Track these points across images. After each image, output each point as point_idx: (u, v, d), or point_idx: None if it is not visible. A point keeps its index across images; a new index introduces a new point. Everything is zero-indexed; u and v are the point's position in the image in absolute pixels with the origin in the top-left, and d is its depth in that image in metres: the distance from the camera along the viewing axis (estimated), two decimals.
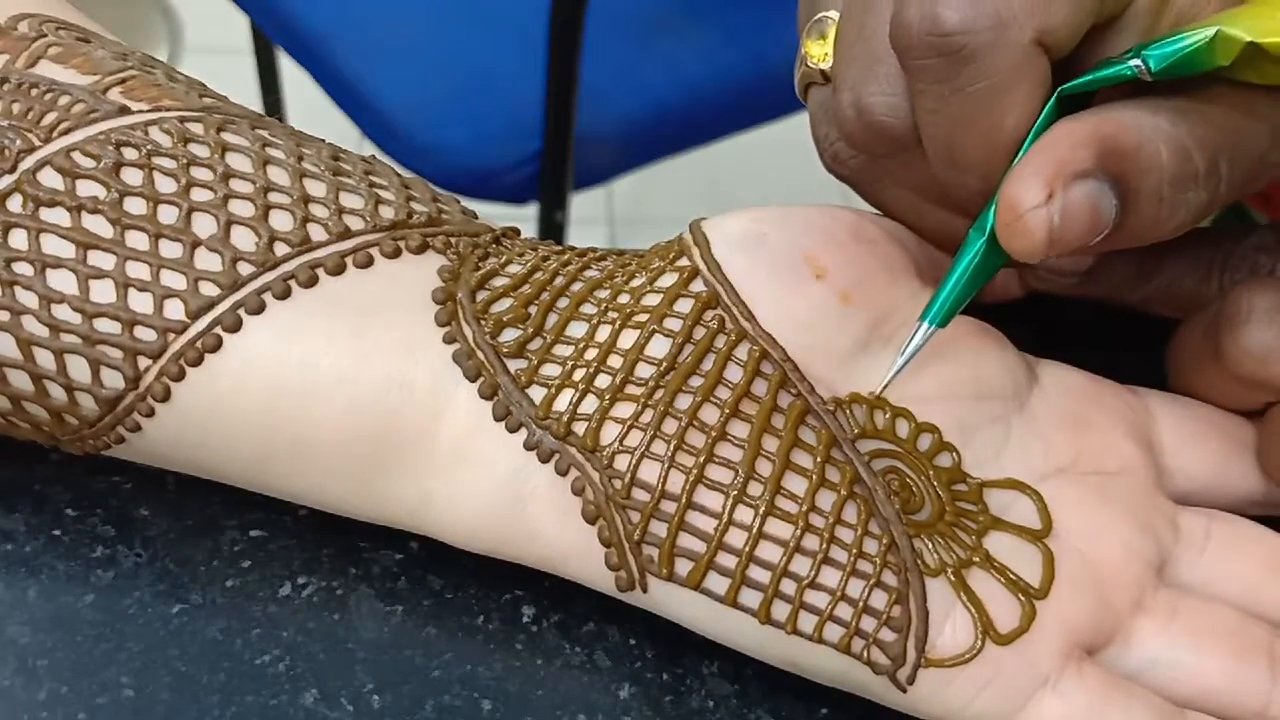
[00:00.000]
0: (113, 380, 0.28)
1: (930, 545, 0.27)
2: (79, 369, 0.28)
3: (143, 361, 0.27)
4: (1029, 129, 0.26)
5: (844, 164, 0.30)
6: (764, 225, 0.30)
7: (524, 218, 0.91)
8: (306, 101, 1.05)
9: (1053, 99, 0.26)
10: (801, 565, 0.26)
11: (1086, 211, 0.25)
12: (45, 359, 0.28)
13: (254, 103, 1.18)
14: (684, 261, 0.29)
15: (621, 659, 0.29)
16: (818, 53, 0.30)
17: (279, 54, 1.15)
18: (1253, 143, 0.26)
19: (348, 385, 0.27)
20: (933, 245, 0.31)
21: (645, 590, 0.27)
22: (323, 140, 0.31)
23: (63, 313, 0.27)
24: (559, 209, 0.89)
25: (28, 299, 0.27)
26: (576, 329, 0.29)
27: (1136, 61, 0.25)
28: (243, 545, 0.30)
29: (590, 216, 1.45)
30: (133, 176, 0.28)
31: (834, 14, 0.30)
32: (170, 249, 0.27)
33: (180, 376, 0.27)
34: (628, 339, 0.28)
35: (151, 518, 0.31)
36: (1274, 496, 0.30)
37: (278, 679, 0.28)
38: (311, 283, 0.28)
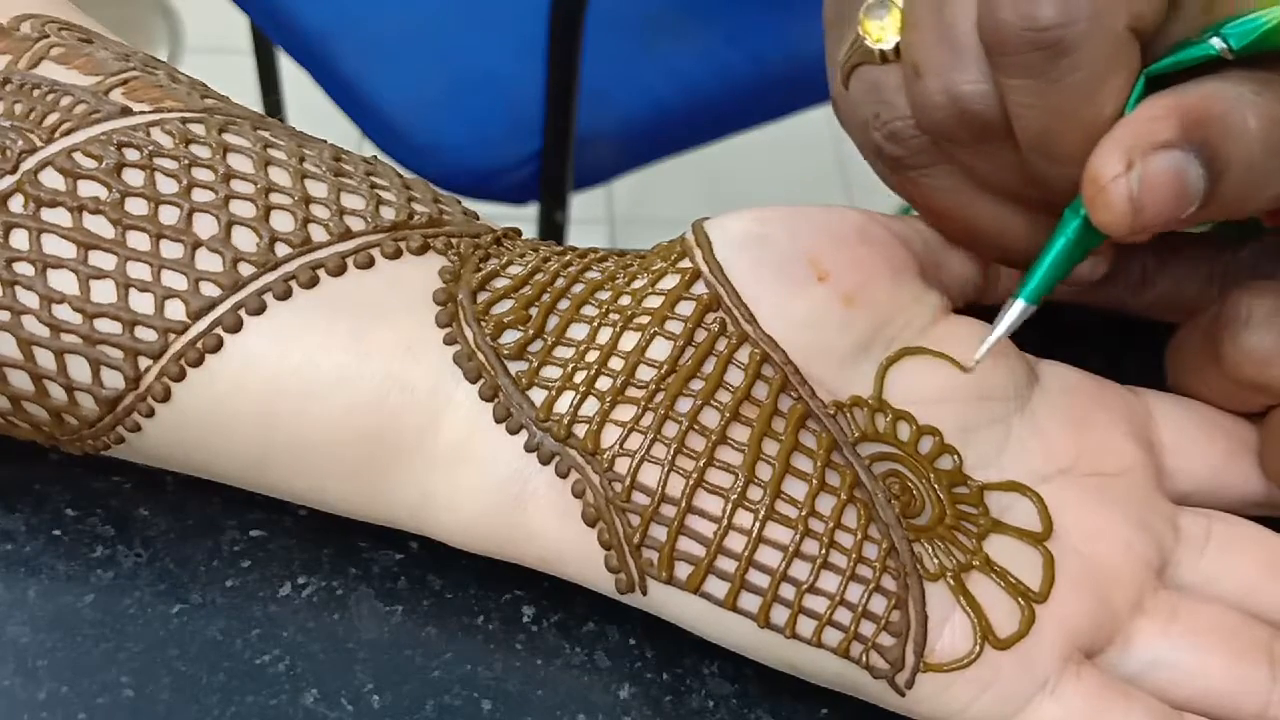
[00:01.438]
0: (113, 380, 0.28)
1: (930, 549, 0.27)
2: (79, 369, 0.28)
3: (143, 362, 0.27)
4: (1122, 114, 0.26)
5: (902, 143, 0.30)
6: (767, 226, 0.30)
7: (524, 218, 0.91)
8: (306, 101, 1.05)
9: (1140, 81, 0.26)
10: (801, 570, 0.26)
11: (1169, 180, 0.25)
12: (45, 359, 0.28)
13: (254, 103, 1.18)
14: (686, 263, 0.29)
15: (621, 659, 0.29)
16: (878, 34, 0.30)
17: (279, 54, 1.15)
18: None
19: (348, 386, 0.27)
20: (967, 237, 0.31)
21: (645, 593, 0.27)
22: (324, 141, 0.31)
23: (63, 313, 0.27)
24: (559, 209, 0.89)
25: (28, 299, 0.27)
26: (577, 331, 0.29)
27: (1217, 40, 0.25)
28: (243, 545, 0.30)
29: (590, 216, 1.45)
30: (134, 177, 0.28)
31: None
32: (171, 249, 0.27)
33: (181, 377, 0.27)
34: (629, 341, 0.28)
35: (151, 518, 0.31)
36: (1274, 498, 0.30)
37: (278, 679, 0.28)
38: (312, 283, 0.28)
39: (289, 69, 1.03)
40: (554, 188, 0.88)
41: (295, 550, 0.30)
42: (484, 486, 0.28)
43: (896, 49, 0.29)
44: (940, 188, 0.30)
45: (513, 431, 0.27)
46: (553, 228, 0.90)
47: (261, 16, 0.98)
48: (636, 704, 0.29)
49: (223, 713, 0.28)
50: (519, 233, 0.32)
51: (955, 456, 0.29)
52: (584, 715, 0.28)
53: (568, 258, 0.30)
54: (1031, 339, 0.31)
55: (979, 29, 0.26)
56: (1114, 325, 0.33)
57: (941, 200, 0.30)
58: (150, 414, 0.28)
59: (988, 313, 0.31)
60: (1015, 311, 0.28)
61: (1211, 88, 0.25)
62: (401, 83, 0.89)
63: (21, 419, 0.29)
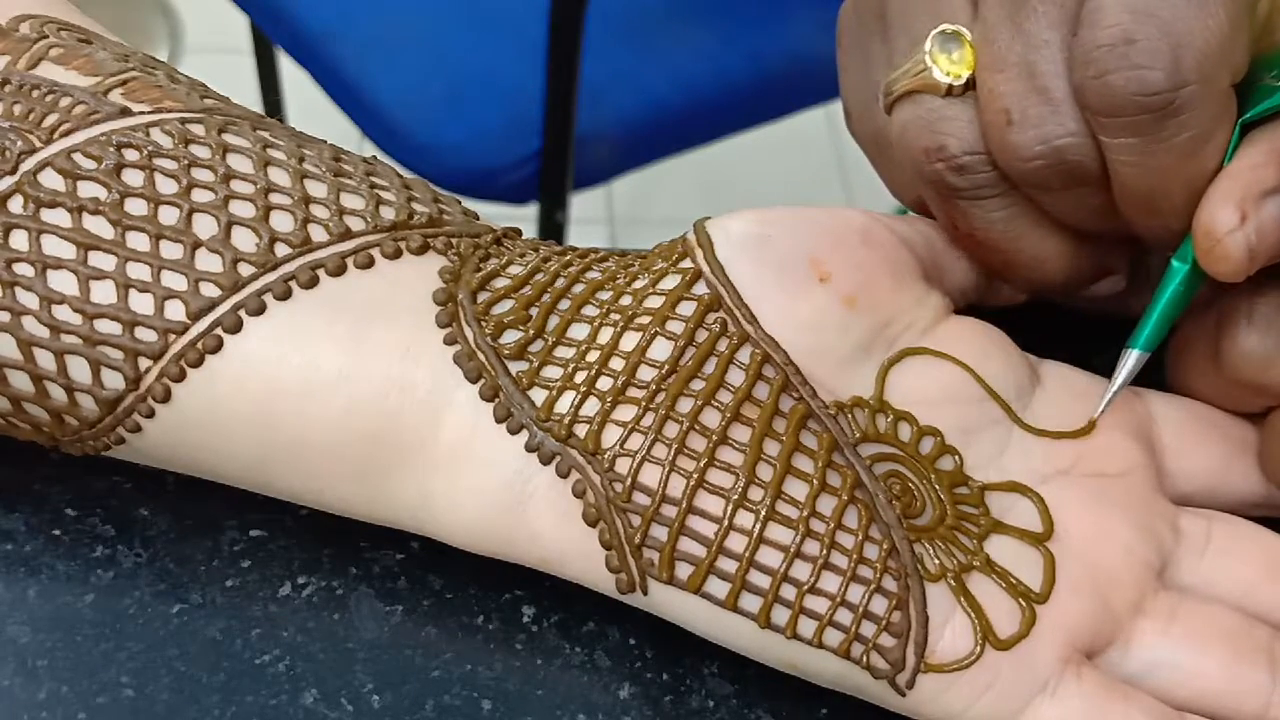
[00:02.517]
0: (113, 381, 0.28)
1: (931, 550, 0.27)
2: (79, 370, 0.28)
3: (143, 362, 0.27)
4: (1222, 165, 0.27)
5: (971, 177, 0.30)
6: (769, 226, 0.30)
7: (524, 218, 0.91)
8: (306, 101, 1.05)
9: (1237, 131, 0.27)
10: (801, 570, 0.26)
11: (1278, 220, 0.26)
12: (46, 360, 0.28)
13: (254, 103, 1.18)
14: (687, 263, 0.29)
15: (621, 659, 0.29)
16: (950, 69, 0.29)
17: (279, 54, 1.15)
18: None
19: (348, 386, 0.27)
20: (1006, 268, 0.31)
21: (646, 593, 0.27)
22: (324, 141, 0.31)
23: (63, 314, 0.27)
24: (559, 209, 0.89)
25: (28, 300, 0.27)
26: (578, 331, 0.29)
27: None
28: (243, 545, 0.30)
29: (590, 216, 1.45)
30: (134, 178, 0.28)
31: (962, 29, 0.29)
32: (171, 250, 0.27)
33: (181, 377, 0.27)
34: (629, 341, 0.28)
35: (151, 518, 0.31)
36: (1275, 498, 0.30)
37: (278, 679, 0.28)
38: (312, 284, 0.28)
39: (289, 69, 1.03)
40: (554, 188, 0.88)
41: (295, 550, 0.30)
42: (485, 487, 0.28)
43: (966, 84, 0.29)
44: (995, 220, 0.30)
45: (513, 432, 0.27)
46: (553, 228, 0.90)
47: (261, 16, 0.98)
48: (636, 704, 0.29)
49: (223, 713, 0.28)
50: (519, 232, 0.32)
51: (956, 457, 0.29)
52: (584, 715, 0.28)
53: (568, 258, 0.30)
54: (1031, 339, 0.31)
55: (1081, 90, 0.27)
56: (1114, 325, 0.33)
57: (993, 232, 0.30)
58: (150, 415, 0.28)
59: (989, 310, 0.31)
60: (1132, 362, 0.29)
61: None
62: (401, 83, 0.89)
63: (22, 420, 0.29)
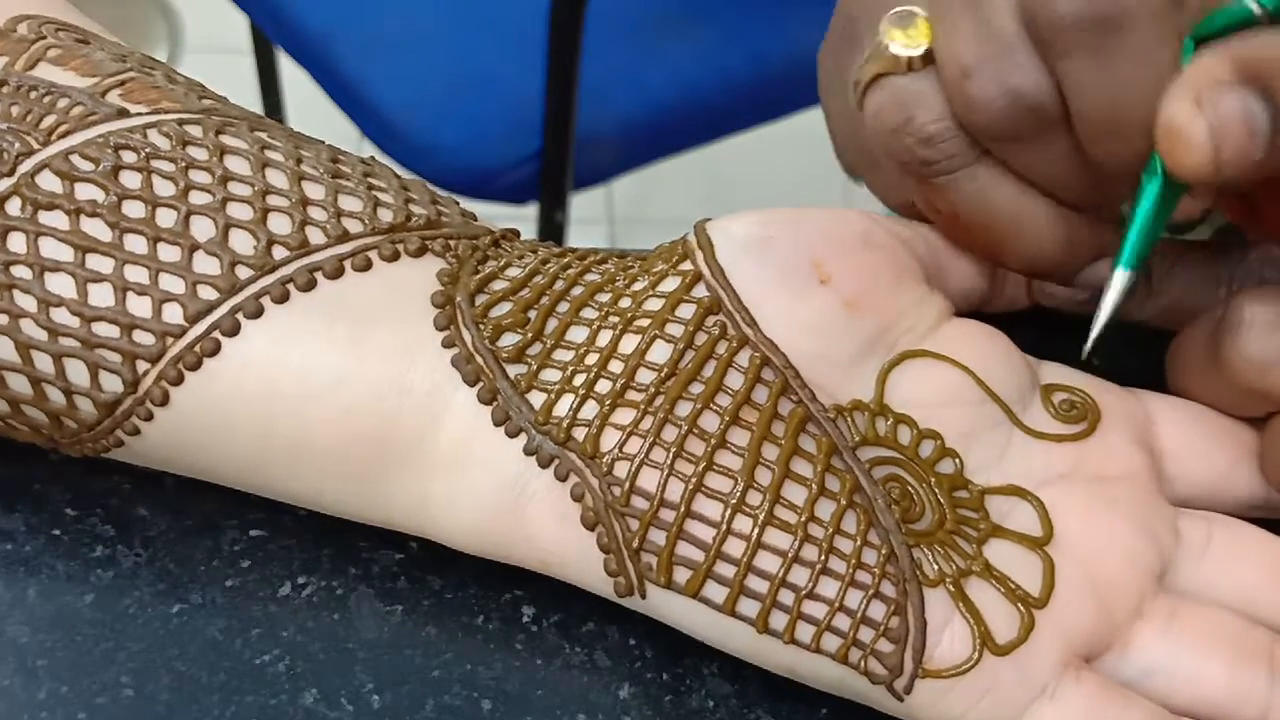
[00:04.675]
0: (111, 384, 0.27)
1: (930, 555, 0.27)
2: (77, 373, 0.28)
3: (141, 365, 0.27)
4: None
5: (939, 146, 0.30)
6: (770, 229, 0.30)
7: (524, 218, 0.91)
8: (306, 101, 1.05)
9: (1189, 46, 0.27)
10: (800, 575, 0.26)
11: (1240, 117, 0.25)
12: (44, 362, 0.28)
13: (254, 103, 1.18)
14: (687, 265, 0.29)
15: (621, 659, 0.29)
16: (906, 42, 0.30)
17: (279, 54, 1.15)
18: None
19: (346, 389, 0.27)
20: (992, 244, 0.31)
21: (644, 596, 0.27)
22: (322, 142, 0.31)
23: (61, 316, 0.27)
24: (559, 209, 0.89)
25: (26, 302, 0.27)
26: (577, 333, 0.28)
27: (1251, 2, 0.26)
28: (243, 545, 0.30)
29: (590, 216, 1.45)
30: (131, 180, 0.28)
31: (916, 9, 0.30)
32: (168, 252, 0.27)
33: (179, 381, 0.27)
34: (629, 344, 0.28)
35: (151, 518, 0.31)
36: (1275, 501, 0.30)
37: (278, 679, 0.28)
38: (309, 286, 0.28)
39: (289, 69, 1.03)
40: (554, 188, 0.88)
41: (295, 550, 0.30)
42: (483, 489, 0.28)
43: (924, 56, 0.29)
44: (972, 192, 0.30)
45: (512, 435, 0.27)
46: (553, 228, 0.89)
47: (261, 16, 0.98)
48: (636, 704, 0.29)
49: (223, 713, 0.28)
50: (517, 234, 0.32)
51: (956, 460, 0.29)
52: (584, 715, 0.28)
53: (567, 259, 0.30)
54: (1031, 339, 0.31)
55: (1028, 18, 0.27)
56: (1115, 326, 0.33)
57: (973, 207, 0.30)
58: (149, 417, 0.28)
59: (992, 316, 0.31)
60: (1119, 282, 0.29)
61: (1256, 38, 0.26)
62: (401, 83, 0.89)
63: (21, 422, 0.29)
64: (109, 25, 0.33)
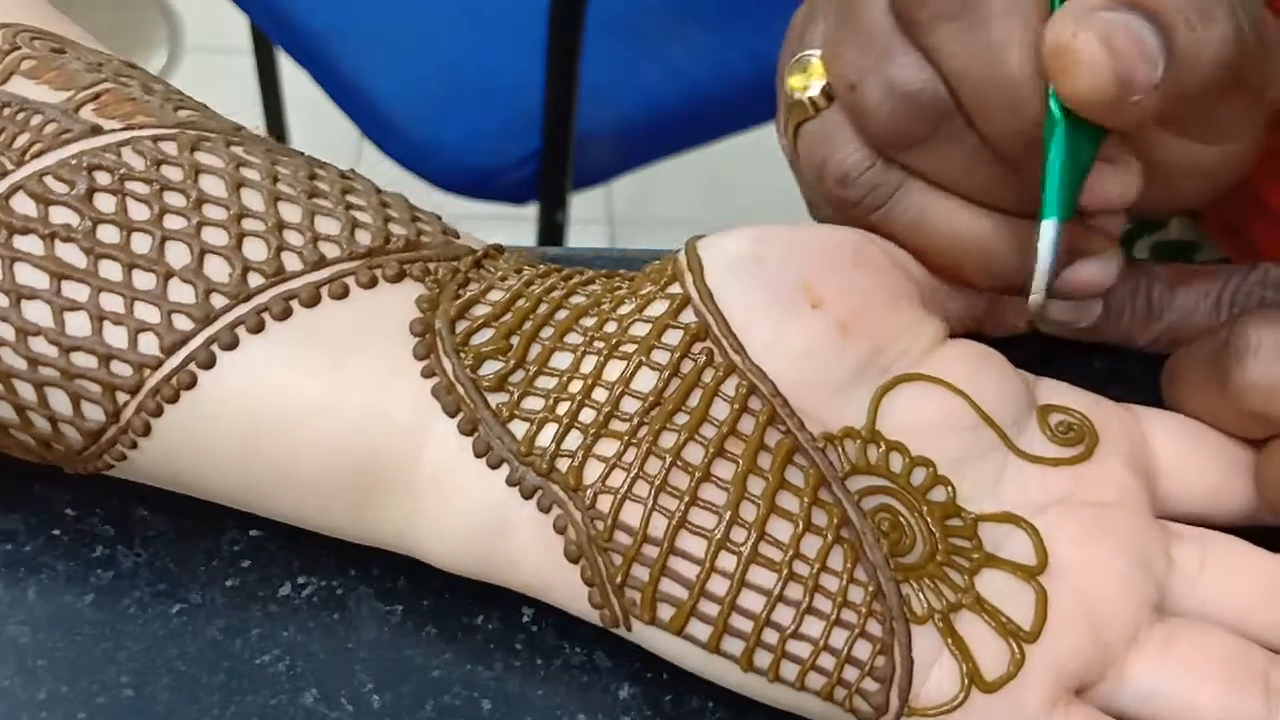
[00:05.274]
0: (93, 414, 0.27)
1: (919, 589, 0.27)
2: (60, 402, 0.27)
3: (120, 396, 0.27)
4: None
5: (855, 182, 0.30)
6: (762, 249, 0.29)
7: (524, 217, 0.91)
8: (306, 101, 1.05)
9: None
10: (784, 615, 0.26)
11: (1128, 35, 0.25)
12: (26, 391, 0.27)
13: (254, 102, 1.19)
14: (676, 288, 0.29)
15: (621, 659, 0.29)
16: (800, 84, 0.31)
17: (279, 54, 1.15)
18: None
19: (325, 419, 0.27)
20: (953, 263, 0.31)
21: (629, 629, 0.27)
22: (300, 154, 0.31)
23: (39, 346, 0.27)
24: (559, 209, 0.89)
25: (4, 331, 0.27)
26: (560, 360, 0.28)
27: None
28: (243, 545, 0.30)
29: (590, 216, 1.45)
30: (105, 203, 0.28)
31: (812, 51, 0.30)
32: (143, 280, 0.27)
33: (158, 412, 0.27)
34: (613, 371, 0.28)
35: (151, 518, 0.31)
36: (1269, 518, 0.30)
37: (278, 679, 0.28)
38: (285, 315, 0.27)
39: (289, 69, 1.03)
40: (553, 187, 0.88)
41: (295, 550, 0.30)
42: (466, 520, 0.27)
43: (825, 92, 0.30)
44: (909, 218, 0.30)
45: (494, 466, 0.27)
46: (552, 228, 0.89)
47: (261, 16, 0.98)
48: (636, 704, 0.29)
49: (223, 713, 0.28)
50: (502, 250, 0.31)
51: (949, 488, 0.28)
52: (584, 715, 0.28)
53: (551, 281, 0.30)
54: (1032, 343, 0.31)
55: (892, 19, 0.27)
56: (1115, 349, 0.33)
57: (912, 231, 0.30)
58: (133, 445, 0.28)
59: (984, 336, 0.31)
60: (1048, 233, 0.28)
61: None
62: (401, 82, 0.89)
63: (11, 444, 0.29)
64: (109, 26, 0.33)
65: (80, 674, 0.28)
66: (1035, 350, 0.31)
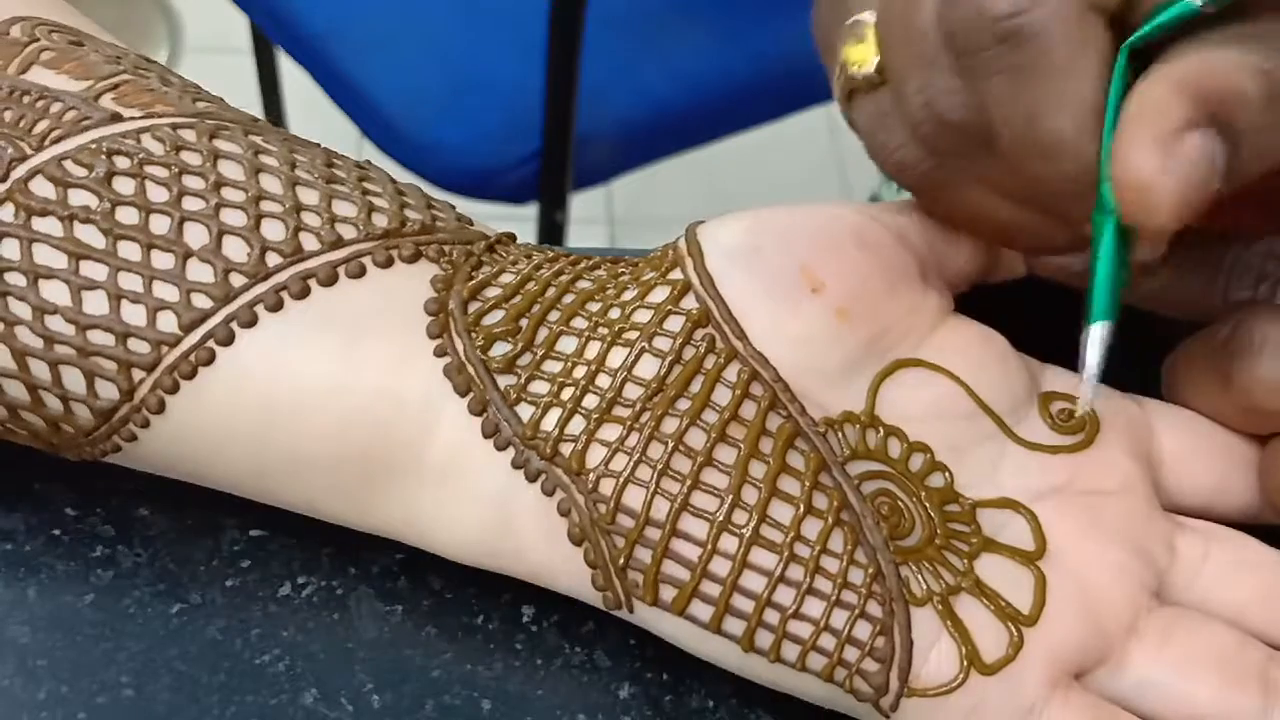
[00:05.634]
0: (107, 392, 0.27)
1: (918, 572, 0.27)
2: (74, 380, 0.27)
3: (136, 374, 0.27)
4: (1105, 95, 0.25)
5: (911, 171, 0.29)
6: (761, 235, 0.29)
7: (524, 217, 0.91)
8: (306, 101, 1.05)
9: (1122, 57, 0.25)
10: (785, 595, 0.26)
11: (1204, 163, 0.24)
12: (40, 370, 0.28)
13: (254, 103, 1.19)
14: (676, 274, 0.29)
15: (621, 659, 0.29)
16: (859, 58, 0.29)
17: (279, 54, 1.15)
18: None
19: (339, 398, 0.27)
20: (1004, 239, 0.30)
21: (631, 611, 0.27)
22: (317, 145, 0.31)
23: (56, 324, 0.27)
24: (559, 209, 0.89)
25: (21, 310, 0.27)
26: (566, 344, 0.28)
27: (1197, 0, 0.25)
28: (243, 545, 0.30)
29: (590, 216, 1.45)
30: (125, 186, 0.28)
31: (867, 16, 0.29)
32: (162, 260, 0.27)
33: (174, 389, 0.27)
34: (616, 357, 0.28)
35: (151, 518, 0.31)
36: (1273, 513, 0.30)
37: (278, 679, 0.28)
38: (303, 294, 0.28)
39: (289, 69, 1.03)
40: (553, 187, 0.88)
41: (295, 550, 0.30)
42: (471, 501, 0.28)
43: (879, 69, 0.29)
44: (961, 203, 0.29)
45: (500, 447, 0.27)
46: (552, 228, 0.90)
47: (261, 16, 0.98)
48: (636, 704, 0.29)
49: (223, 713, 0.28)
50: (513, 238, 0.32)
51: (947, 474, 0.28)
52: (584, 715, 0.28)
53: (559, 265, 0.30)
54: (1037, 330, 0.31)
55: (941, 33, 0.26)
56: (1123, 326, 0.33)
57: (968, 214, 0.29)
58: (145, 425, 0.28)
59: (994, 305, 0.31)
60: (1097, 337, 0.27)
61: (1208, 56, 0.25)
62: (401, 82, 0.89)
63: (19, 426, 0.29)
64: (109, 25, 0.33)
65: (80, 674, 0.28)
66: (1038, 335, 0.31)
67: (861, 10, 0.30)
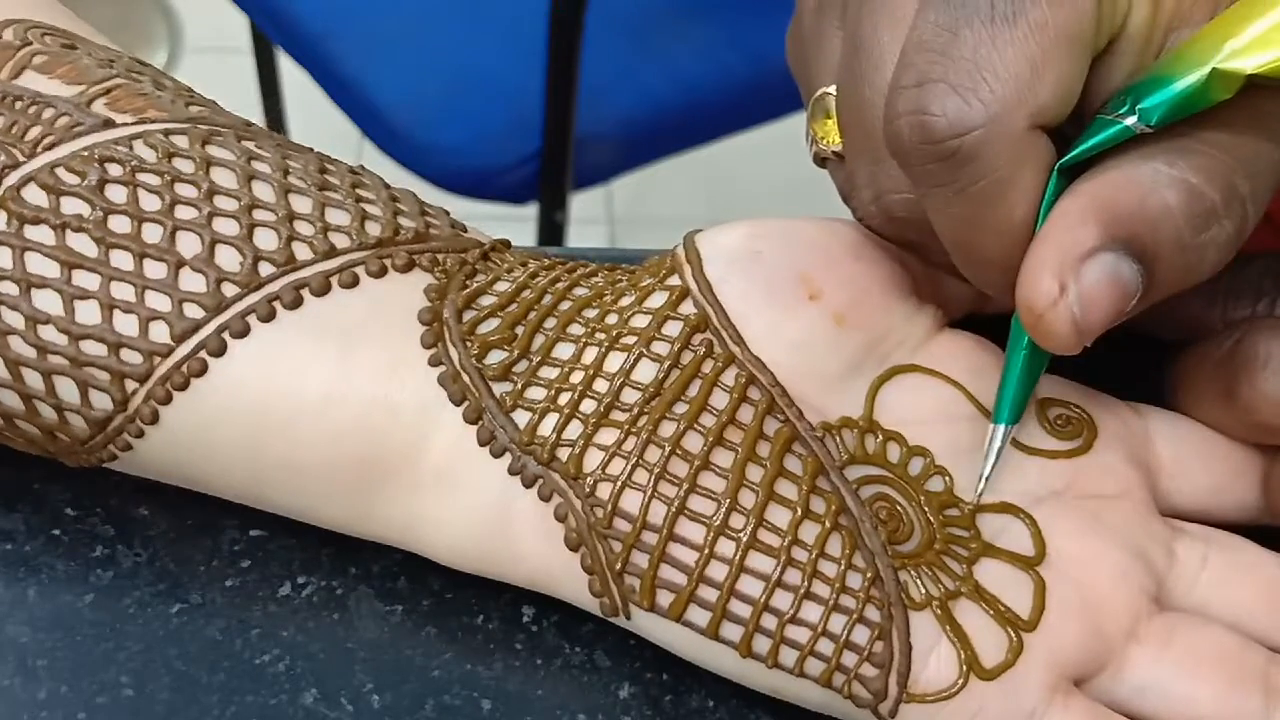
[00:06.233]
0: (101, 402, 0.27)
1: (917, 576, 0.27)
2: (67, 390, 0.27)
3: (130, 384, 0.27)
4: (1037, 212, 0.25)
5: (880, 230, 0.29)
6: (760, 242, 0.29)
7: (524, 218, 0.91)
8: (306, 101, 1.05)
9: (1053, 178, 0.25)
10: (783, 600, 0.26)
11: (1107, 288, 0.24)
12: (34, 380, 0.27)
13: (254, 103, 1.19)
14: (674, 280, 0.29)
15: (621, 659, 0.29)
16: (824, 133, 0.30)
17: (279, 54, 1.15)
18: (1269, 153, 0.25)
19: (334, 409, 0.27)
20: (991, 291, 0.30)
21: (629, 617, 0.27)
22: (310, 150, 0.31)
23: (49, 334, 0.27)
24: (559, 209, 0.89)
25: (13, 319, 0.27)
26: (563, 350, 0.28)
27: (1133, 120, 0.24)
28: (243, 545, 0.30)
29: (590, 216, 1.45)
30: (117, 193, 0.28)
31: (833, 90, 0.29)
32: (155, 269, 0.27)
33: (167, 400, 0.27)
34: (614, 362, 0.28)
35: (151, 518, 0.31)
36: (1270, 517, 0.30)
37: (278, 679, 0.28)
38: (296, 304, 0.28)
39: (289, 69, 1.03)
40: (554, 188, 0.88)
41: (295, 550, 0.30)
42: (469, 509, 0.28)
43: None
44: (937, 259, 0.29)
45: (497, 455, 0.27)
46: (552, 228, 0.89)
47: (261, 16, 0.98)
48: (636, 704, 0.29)
49: (223, 713, 0.28)
50: (508, 245, 0.32)
51: (946, 478, 0.28)
52: (584, 715, 0.28)
53: (555, 273, 0.30)
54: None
55: (885, 139, 0.26)
56: (1116, 337, 0.33)
57: (946, 266, 0.29)
58: (140, 434, 0.28)
59: (987, 325, 0.31)
60: (1000, 437, 0.28)
61: (1123, 174, 0.24)
62: (401, 82, 0.89)
63: (15, 435, 0.29)
64: (108, 26, 0.33)
65: (80, 674, 0.28)
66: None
67: (824, 79, 0.30)
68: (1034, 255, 0.24)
